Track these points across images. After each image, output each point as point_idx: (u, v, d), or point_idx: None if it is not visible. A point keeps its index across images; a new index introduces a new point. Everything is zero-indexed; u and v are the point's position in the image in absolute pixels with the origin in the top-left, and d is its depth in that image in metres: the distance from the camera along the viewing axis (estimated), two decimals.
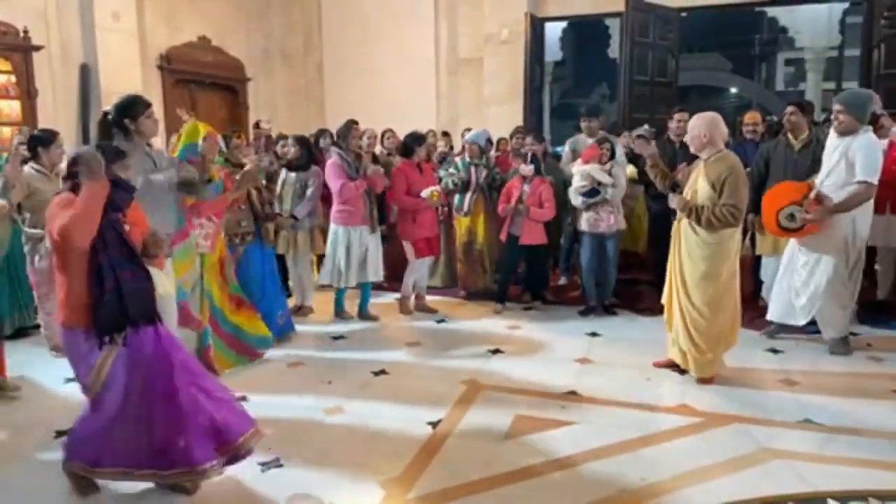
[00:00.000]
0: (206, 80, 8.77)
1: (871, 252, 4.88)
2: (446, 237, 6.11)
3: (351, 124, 5.05)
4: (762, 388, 3.74)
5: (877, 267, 5.19)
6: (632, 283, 6.01)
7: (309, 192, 5.05)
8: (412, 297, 5.46)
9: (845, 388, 3.70)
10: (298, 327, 4.85)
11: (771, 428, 3.22)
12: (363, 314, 5.23)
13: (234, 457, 2.62)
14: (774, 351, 4.32)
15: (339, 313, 5.24)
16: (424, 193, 5.07)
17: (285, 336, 4.62)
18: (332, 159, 4.93)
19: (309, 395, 3.72)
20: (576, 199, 5.14)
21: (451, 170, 5.73)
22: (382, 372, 4.06)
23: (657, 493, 2.63)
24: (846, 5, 13.31)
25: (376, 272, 5.12)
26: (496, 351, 4.42)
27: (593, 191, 5.01)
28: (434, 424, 3.28)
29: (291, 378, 4.03)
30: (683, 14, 8.55)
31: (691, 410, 3.43)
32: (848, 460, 2.89)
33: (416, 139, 5.28)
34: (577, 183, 5.09)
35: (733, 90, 25.62)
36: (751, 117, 5.84)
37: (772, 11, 16.31)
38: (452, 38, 9.16)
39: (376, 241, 5.10)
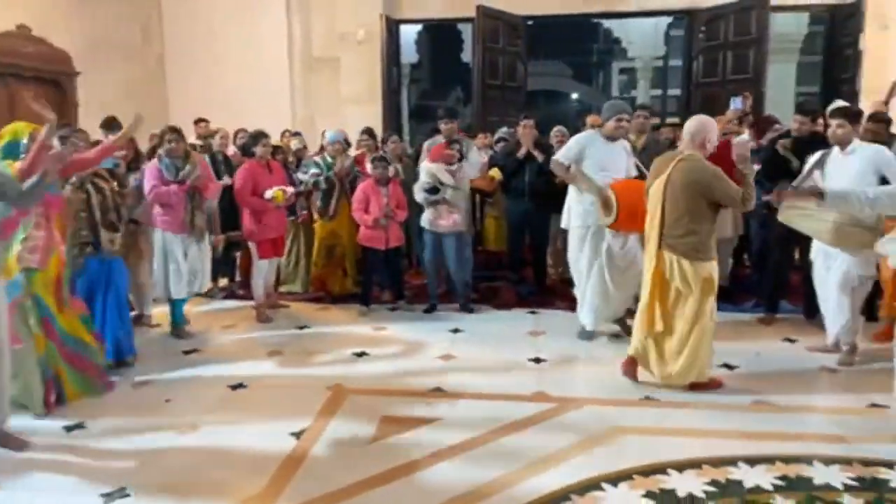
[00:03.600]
0: (26, 73, 7.81)
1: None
2: (306, 240, 5.96)
3: (168, 128, 4.72)
4: (608, 370, 4.03)
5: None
6: (492, 279, 6.24)
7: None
8: (265, 302, 5.26)
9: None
10: (145, 342, 4.48)
11: (618, 407, 3.49)
12: (177, 330, 4.78)
13: None
14: (615, 336, 4.67)
15: (176, 328, 4.78)
16: (268, 194, 4.89)
17: (128, 355, 4.21)
18: (152, 161, 4.67)
19: (157, 416, 3.45)
20: (419, 196, 5.26)
21: (314, 170, 5.60)
22: (240, 385, 3.86)
23: (518, 479, 2.74)
24: (670, 19, 14.76)
25: (201, 285, 4.84)
26: (362, 354, 4.38)
27: (434, 189, 5.14)
28: (297, 435, 3.18)
29: (136, 399, 3.71)
30: (530, 22, 9.01)
31: (547, 397, 3.62)
32: (684, 431, 3.21)
33: (253, 138, 5.12)
34: (422, 180, 5.24)
35: (575, 95, 27.50)
36: (593, 119, 6.26)
37: (607, 23, 17.69)
38: (306, 36, 8.93)
39: (200, 249, 4.71)
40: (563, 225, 4.74)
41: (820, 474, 2.75)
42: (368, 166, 5.41)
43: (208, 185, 4.69)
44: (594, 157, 4.40)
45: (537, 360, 4.20)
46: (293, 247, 5.91)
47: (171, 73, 9.23)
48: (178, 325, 4.78)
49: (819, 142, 4.49)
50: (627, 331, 4.61)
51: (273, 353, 4.43)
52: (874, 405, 3.46)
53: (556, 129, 6.15)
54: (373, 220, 5.14)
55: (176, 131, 4.63)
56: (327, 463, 2.93)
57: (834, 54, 8.40)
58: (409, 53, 13.78)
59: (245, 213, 5.09)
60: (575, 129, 6.33)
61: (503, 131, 6.70)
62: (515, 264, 6.01)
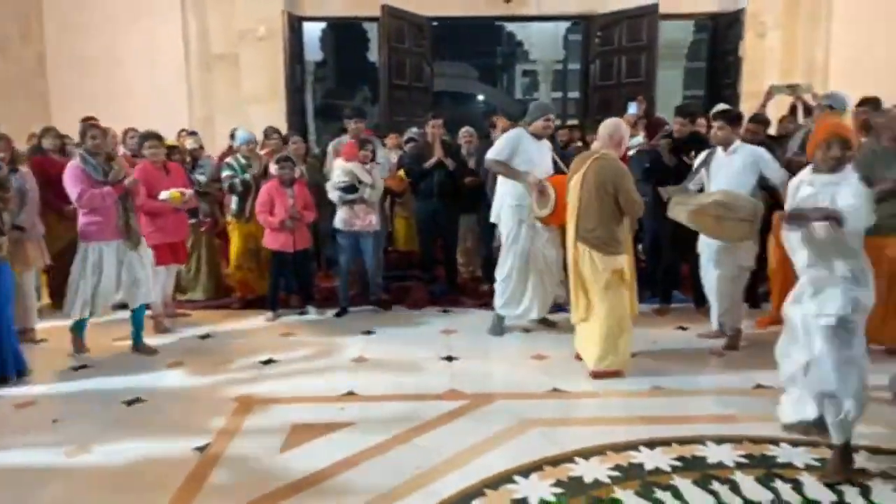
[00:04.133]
0: None
1: None
2: (208, 246, 5.70)
3: (86, 123, 4.42)
4: (518, 365, 4.13)
5: None
6: (403, 279, 6.23)
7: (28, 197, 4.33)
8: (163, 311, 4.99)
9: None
10: (31, 358, 4.11)
11: (528, 400, 3.58)
12: (139, 346, 4.44)
13: None
14: (526, 330, 4.80)
15: (78, 347, 4.37)
16: (163, 195, 4.61)
17: (11, 372, 3.86)
18: (72, 162, 4.22)
19: (44, 437, 3.19)
20: (333, 194, 5.15)
21: (227, 172, 5.37)
22: (137, 400, 3.64)
23: (432, 478, 2.75)
24: (568, 24, 15.32)
25: (146, 293, 4.40)
26: (269, 361, 4.24)
27: (352, 187, 5.07)
28: (201, 450, 3.03)
29: (19, 421, 3.41)
30: (434, 23, 9.06)
31: (459, 394, 3.66)
32: (589, 420, 3.36)
33: (142, 138, 4.87)
34: (338, 178, 5.11)
35: (480, 97, 27.98)
36: (500, 120, 6.38)
37: (510, 26, 18.12)
38: (203, 32, 8.53)
39: (142, 256, 4.35)
40: (492, 219, 4.79)
41: (713, 453, 2.93)
42: (273, 167, 5.24)
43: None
44: (524, 154, 4.51)
45: (450, 359, 4.23)
46: (194, 253, 5.63)
47: (52, 71, 8.54)
48: (80, 342, 4.38)
49: (698, 141, 4.85)
50: (550, 324, 4.81)
51: (174, 365, 4.21)
52: (760, 386, 3.74)
53: (464, 130, 6.23)
54: (279, 222, 4.99)
55: (98, 128, 4.25)
56: (234, 478, 2.81)
57: (717, 60, 9.02)
58: (313, 51, 13.51)
59: (140, 217, 4.79)
60: (481, 130, 6.45)
61: (413, 132, 6.71)
62: (427, 264, 6.04)
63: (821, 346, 2.62)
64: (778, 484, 2.68)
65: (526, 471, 2.80)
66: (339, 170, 5.14)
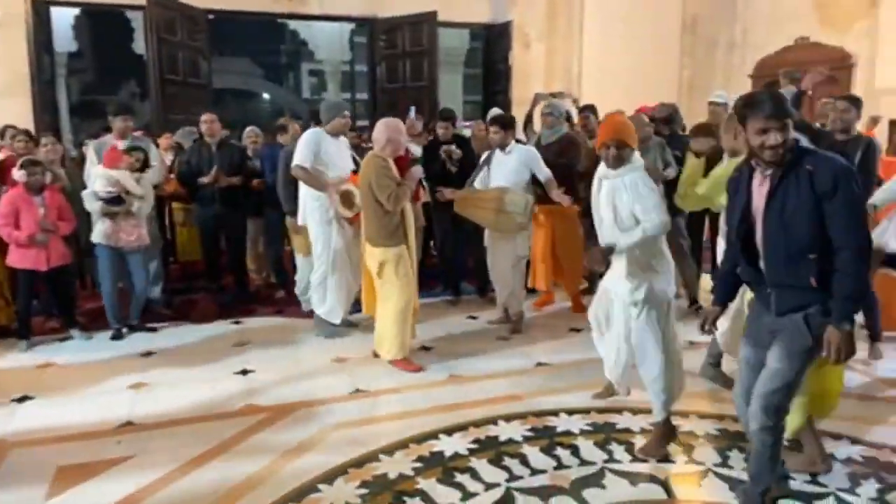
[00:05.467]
0: None
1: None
2: None
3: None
4: (318, 370, 4.05)
5: None
6: (189, 291, 5.76)
7: None
8: None
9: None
10: None
11: (329, 405, 3.52)
12: None
13: None
14: (326, 335, 4.71)
15: None
16: None
17: None
18: None
19: None
20: (92, 204, 4.57)
21: None
22: None
23: (231, 500, 2.59)
24: (353, 26, 15.41)
25: None
26: (24, 398, 3.64)
27: (118, 199, 4.55)
28: None
29: None
30: (211, 16, 8.50)
31: (257, 408, 3.48)
32: (391, 416, 3.42)
33: None
34: (101, 187, 4.53)
35: (266, 96, 27.00)
36: (292, 125, 6.18)
37: (293, 24, 17.73)
38: None
39: None
40: (300, 222, 4.58)
41: (504, 431, 3.16)
42: (17, 172, 4.46)
43: None
44: (325, 155, 4.42)
45: (244, 372, 4.01)
46: None
47: None
48: None
49: (461, 142, 5.38)
50: (351, 324, 4.80)
51: None
52: (540, 364, 4.12)
53: (249, 130, 5.96)
54: (27, 236, 4.30)
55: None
56: None
57: (490, 68, 9.72)
58: (65, 41, 11.92)
59: None
60: (267, 130, 6.22)
61: (186, 131, 6.26)
62: (213, 273, 5.65)
63: (627, 326, 2.92)
64: (559, 451, 2.97)
65: (330, 477, 2.75)
66: (102, 178, 4.54)
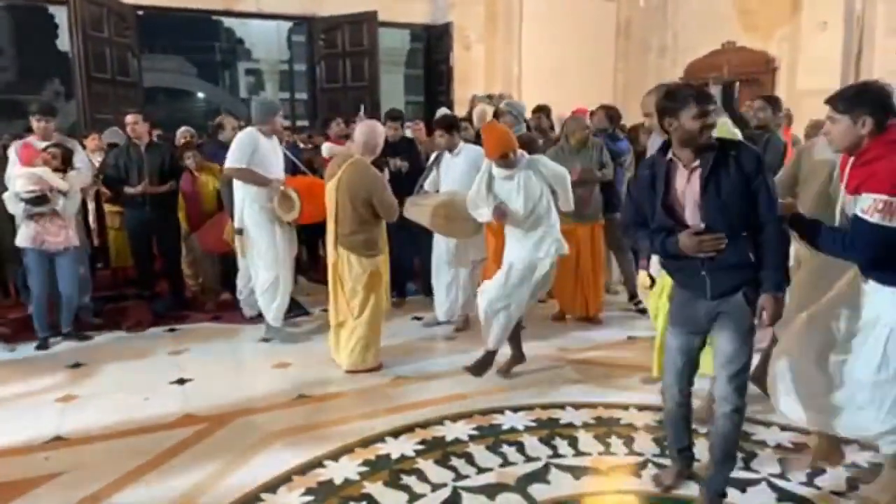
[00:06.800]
0: None
1: None
2: None
3: None
4: (259, 377, 3.95)
5: None
6: (119, 298, 5.52)
7: None
8: None
9: (330, 361, 4.17)
10: None
11: (271, 412, 3.44)
12: None
13: None
14: (266, 340, 4.61)
15: None
16: None
17: None
18: None
19: None
20: (15, 207, 4.32)
21: None
22: None
23: None
24: (290, 24, 15.14)
25: None
26: None
27: (42, 198, 4.31)
28: None
29: None
30: (140, 12, 8.18)
31: (194, 419, 3.36)
32: (334, 421, 3.34)
33: None
34: (21, 187, 4.28)
35: (201, 94, 26.18)
36: (228, 121, 6.00)
37: (228, 22, 17.29)
38: None
39: None
40: (237, 224, 4.44)
41: (450, 431, 3.16)
42: None
43: None
44: (261, 154, 4.32)
45: (181, 381, 3.87)
46: None
47: None
48: None
49: (408, 145, 5.38)
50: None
51: None
52: None
53: (184, 130, 5.77)
54: None
55: None
56: None
57: (431, 69, 9.73)
58: None
59: None
60: (201, 129, 6.04)
61: (113, 130, 6.03)
62: (146, 279, 5.43)
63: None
64: (504, 448, 2.99)
65: (274, 486, 2.69)
66: (22, 178, 4.29)
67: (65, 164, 4.46)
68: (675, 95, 2.29)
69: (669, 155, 2.36)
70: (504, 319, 3.74)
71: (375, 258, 3.91)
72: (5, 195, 4.39)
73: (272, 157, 4.42)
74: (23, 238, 4.36)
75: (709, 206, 2.27)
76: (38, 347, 4.46)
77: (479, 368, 3.81)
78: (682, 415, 2.59)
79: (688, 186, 2.32)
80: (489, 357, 3.83)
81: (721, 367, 2.38)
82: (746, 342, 2.35)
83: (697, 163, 2.29)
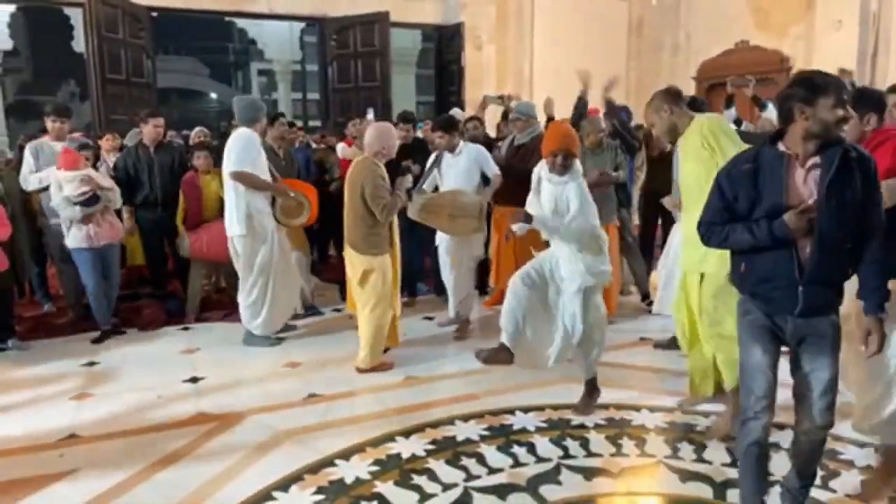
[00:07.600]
0: None
1: None
2: None
3: None
4: (270, 376, 3.97)
5: None
6: (133, 297, 5.57)
7: None
8: None
9: (341, 360, 4.18)
10: None
11: (282, 411, 3.45)
12: None
13: None
14: (279, 339, 4.62)
15: None
16: None
17: None
18: None
19: None
20: (69, 211, 4.37)
21: None
22: None
23: None
24: (303, 25, 15.20)
25: None
26: None
27: (94, 197, 4.38)
28: None
29: None
30: (154, 13, 8.26)
31: (206, 417, 3.39)
32: (346, 420, 3.35)
33: None
34: (76, 190, 4.33)
35: (213, 95, 26.34)
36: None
37: (241, 23, 17.36)
38: None
39: None
40: (228, 233, 4.34)
41: (461, 431, 3.16)
42: None
43: None
44: (262, 158, 4.32)
45: (194, 380, 3.90)
46: None
47: None
48: None
49: (420, 145, 5.34)
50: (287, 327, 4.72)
51: None
52: None
53: (198, 130, 5.81)
54: None
55: None
56: None
57: (442, 69, 9.74)
58: (0, 38, 11.44)
59: None
60: (214, 129, 6.08)
61: (136, 132, 6.07)
62: (159, 278, 5.47)
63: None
64: (515, 448, 2.99)
65: (285, 484, 2.70)
66: (71, 182, 4.32)
67: (94, 164, 4.58)
68: (812, 82, 2.01)
69: (782, 148, 2.08)
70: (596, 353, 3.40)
71: (376, 257, 3.86)
72: (54, 203, 4.44)
73: (263, 159, 4.34)
74: (75, 240, 4.43)
75: (830, 211, 1.99)
76: (95, 341, 4.56)
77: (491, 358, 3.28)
78: (766, 452, 2.23)
79: (804, 186, 2.05)
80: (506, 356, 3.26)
81: (820, 397, 2.12)
82: (837, 366, 2.14)
83: (818, 160, 2.03)
